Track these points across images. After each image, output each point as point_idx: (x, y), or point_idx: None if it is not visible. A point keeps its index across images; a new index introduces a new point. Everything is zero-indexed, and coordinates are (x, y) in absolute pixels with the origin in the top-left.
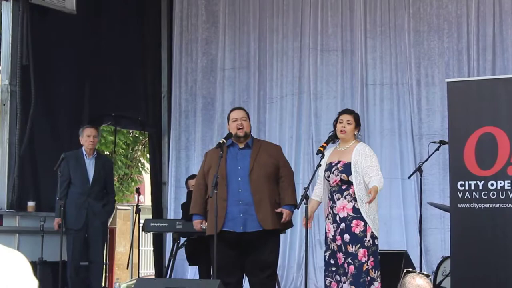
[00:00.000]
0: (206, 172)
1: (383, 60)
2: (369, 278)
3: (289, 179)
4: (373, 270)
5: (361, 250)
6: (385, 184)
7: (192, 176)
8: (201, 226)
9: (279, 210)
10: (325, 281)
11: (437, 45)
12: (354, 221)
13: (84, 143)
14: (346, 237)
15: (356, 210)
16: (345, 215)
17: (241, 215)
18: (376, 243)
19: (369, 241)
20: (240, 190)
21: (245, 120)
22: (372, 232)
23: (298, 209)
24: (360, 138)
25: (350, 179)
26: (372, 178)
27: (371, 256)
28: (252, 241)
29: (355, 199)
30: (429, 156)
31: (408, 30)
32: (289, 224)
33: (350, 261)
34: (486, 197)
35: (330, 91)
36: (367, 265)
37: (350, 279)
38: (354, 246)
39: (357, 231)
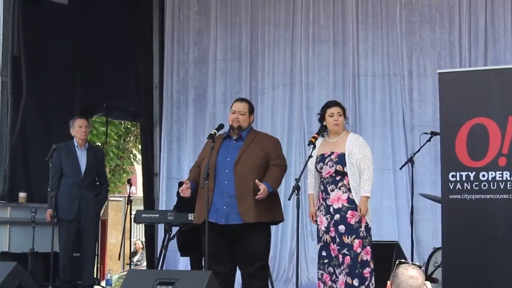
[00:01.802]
0: (201, 160)
1: (375, 51)
2: (369, 269)
3: (279, 169)
4: (372, 261)
5: (356, 241)
6: (377, 175)
7: None
8: (187, 187)
9: (257, 183)
10: (317, 274)
11: (429, 35)
12: (350, 212)
13: (76, 134)
14: (341, 228)
15: (351, 201)
16: (340, 206)
17: (224, 207)
18: (371, 233)
19: (363, 231)
20: (226, 182)
21: (243, 114)
22: (366, 222)
23: (289, 200)
24: (350, 129)
25: (345, 169)
26: (362, 184)
27: (368, 247)
28: (237, 234)
29: (349, 190)
30: (421, 147)
31: (400, 21)
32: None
33: (346, 252)
34: (477, 188)
35: (322, 82)
36: (361, 256)
37: (346, 270)
38: (349, 237)
39: (352, 222)
